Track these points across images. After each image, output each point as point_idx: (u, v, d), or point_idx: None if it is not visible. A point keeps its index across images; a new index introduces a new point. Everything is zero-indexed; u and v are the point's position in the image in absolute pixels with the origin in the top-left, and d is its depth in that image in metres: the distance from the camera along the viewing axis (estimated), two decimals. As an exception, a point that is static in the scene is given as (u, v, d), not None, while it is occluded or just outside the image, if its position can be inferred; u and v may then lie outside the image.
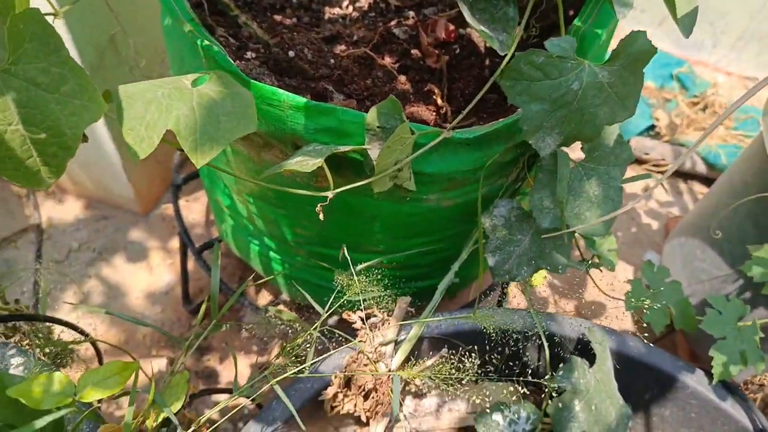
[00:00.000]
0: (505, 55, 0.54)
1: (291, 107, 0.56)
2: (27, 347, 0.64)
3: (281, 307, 1.20)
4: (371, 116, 0.56)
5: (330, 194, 0.54)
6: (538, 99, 0.52)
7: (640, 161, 1.55)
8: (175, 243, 1.33)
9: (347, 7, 0.80)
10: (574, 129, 0.53)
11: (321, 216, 0.54)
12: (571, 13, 0.76)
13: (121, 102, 0.43)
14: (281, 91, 0.55)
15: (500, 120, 0.61)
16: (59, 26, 0.91)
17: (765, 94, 1.76)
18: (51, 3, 0.55)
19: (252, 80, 0.56)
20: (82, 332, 0.74)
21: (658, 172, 1.55)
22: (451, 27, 0.78)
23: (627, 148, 0.63)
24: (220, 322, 0.80)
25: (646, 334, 0.80)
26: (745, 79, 1.81)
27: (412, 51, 0.77)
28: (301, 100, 0.56)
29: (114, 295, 1.25)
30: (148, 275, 1.28)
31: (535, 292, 1.31)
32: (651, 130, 1.56)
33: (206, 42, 0.57)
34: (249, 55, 0.68)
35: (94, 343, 0.81)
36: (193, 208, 1.39)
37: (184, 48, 0.66)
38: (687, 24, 0.55)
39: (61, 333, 0.78)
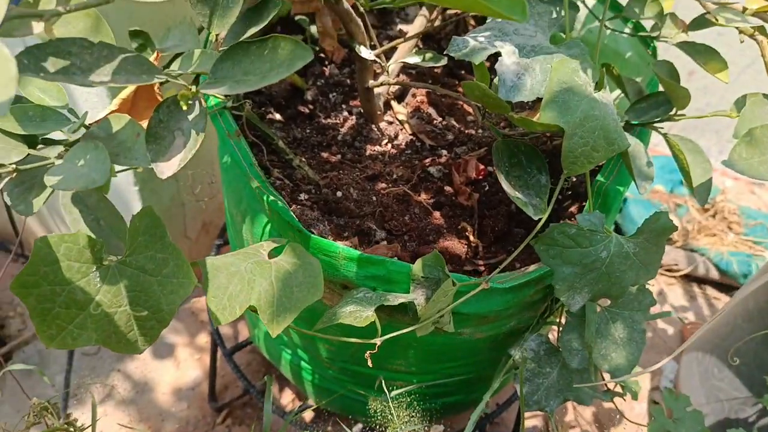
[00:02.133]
0: (540, 219, 0.60)
1: (345, 258, 0.62)
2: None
3: (307, 413, 1.22)
4: (417, 267, 0.62)
5: (378, 341, 0.60)
6: (570, 263, 0.57)
7: (653, 266, 1.60)
8: (202, 338, 1.37)
9: (386, 144, 0.88)
10: (602, 289, 0.59)
11: (369, 363, 0.59)
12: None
13: (207, 273, 0.50)
14: (337, 244, 0.62)
15: (533, 269, 0.66)
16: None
17: (772, 201, 1.83)
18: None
19: (312, 235, 0.62)
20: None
21: (671, 276, 1.59)
22: (481, 166, 0.86)
23: (649, 295, 0.69)
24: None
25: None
26: (752, 184, 1.88)
27: (445, 188, 0.84)
28: (355, 252, 0.62)
29: (141, 389, 1.28)
30: (176, 370, 1.32)
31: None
32: (663, 236, 1.62)
33: (272, 197, 0.64)
34: (302, 197, 0.76)
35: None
36: (222, 304, 1.44)
37: (243, 191, 0.73)
38: (702, 193, 0.62)
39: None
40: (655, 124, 0.66)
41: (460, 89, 0.98)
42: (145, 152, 0.40)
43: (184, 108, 0.40)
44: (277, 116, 0.90)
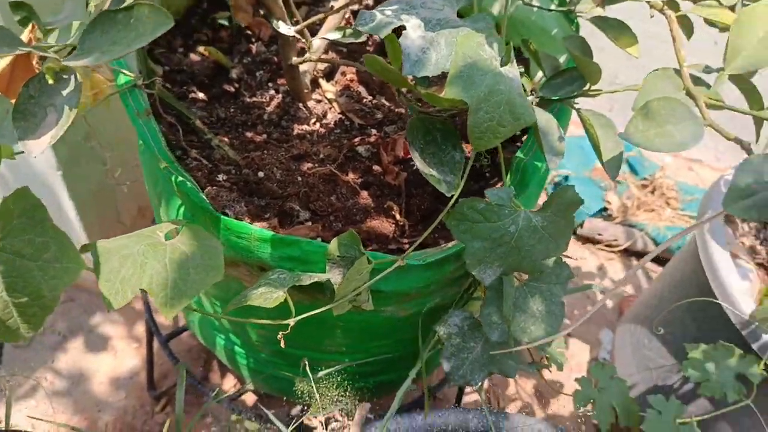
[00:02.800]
0: (452, 195, 0.60)
1: (258, 239, 0.61)
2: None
3: (247, 396, 1.21)
4: (332, 247, 0.61)
5: (291, 322, 0.59)
6: (480, 238, 0.57)
7: (593, 241, 1.64)
8: (140, 327, 1.34)
9: (314, 124, 0.87)
10: (512, 263, 0.59)
11: (282, 344, 0.58)
12: (523, 139, 0.84)
13: (99, 256, 0.48)
14: (250, 225, 0.60)
15: (450, 246, 0.66)
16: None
17: (708, 175, 1.90)
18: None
19: (222, 216, 0.60)
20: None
21: (611, 251, 1.63)
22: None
23: (566, 268, 0.69)
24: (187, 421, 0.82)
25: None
26: (690, 161, 1.94)
27: (373, 167, 0.83)
28: (268, 233, 0.61)
29: (77, 380, 1.24)
30: (113, 359, 1.28)
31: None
32: (604, 212, 1.66)
33: (180, 178, 0.61)
34: (221, 177, 0.74)
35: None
36: (162, 290, 1.40)
37: (157, 173, 0.71)
38: (613, 166, 0.62)
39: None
40: (571, 100, 0.66)
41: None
42: (12, 130, 0.38)
43: (51, 82, 0.38)
44: (200, 95, 0.87)
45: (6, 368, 1.23)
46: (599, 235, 1.61)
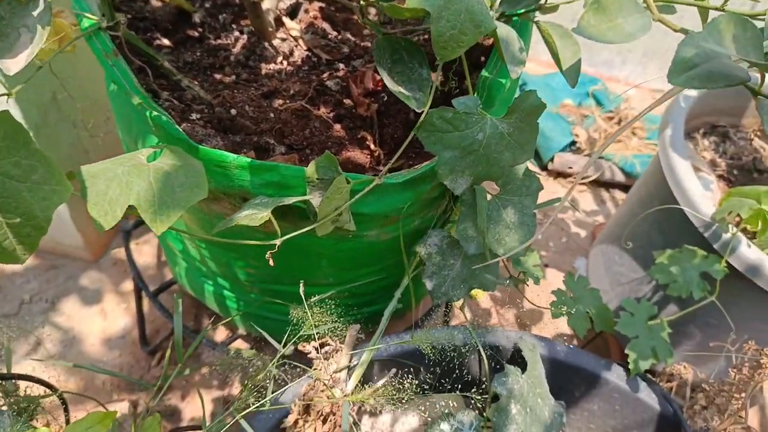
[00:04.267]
0: (422, 111, 0.62)
1: (237, 167, 0.63)
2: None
3: (239, 342, 1.24)
4: (310, 170, 0.63)
5: (278, 242, 0.61)
6: (450, 147, 0.60)
7: (564, 175, 1.68)
8: (128, 286, 1.35)
9: (281, 62, 0.87)
10: (482, 171, 0.62)
11: (271, 262, 0.61)
12: (483, 59, 0.86)
13: (84, 180, 0.49)
14: (228, 154, 0.62)
15: (424, 164, 0.69)
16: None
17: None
18: (2, 82, 0.60)
19: (200, 146, 0.62)
20: (50, 386, 0.77)
21: (581, 184, 1.68)
22: (378, 77, 0.87)
23: (535, 180, 0.73)
24: (183, 367, 0.85)
25: (575, 341, 0.90)
26: (653, 91, 1.99)
27: (344, 101, 0.85)
28: (246, 160, 0.63)
29: (70, 343, 1.26)
30: (103, 321, 1.30)
31: (479, 306, 1.40)
32: (572, 146, 1.70)
33: (155, 113, 0.63)
34: (194, 116, 0.75)
35: (61, 396, 0.83)
36: (144, 251, 1.42)
37: (131, 113, 0.72)
38: (572, 74, 0.65)
39: (27, 388, 0.80)
40: (530, 14, 0.68)
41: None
42: (-13, 50, 0.39)
43: (23, 1, 0.39)
44: (165, 41, 0.87)
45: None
46: (569, 168, 1.65)
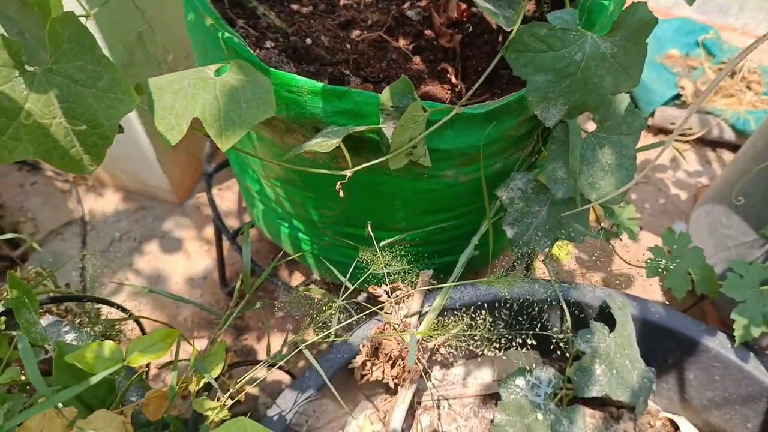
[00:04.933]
0: (512, 30, 0.56)
1: (309, 92, 0.59)
2: (79, 325, 0.70)
3: (312, 285, 1.24)
4: (385, 96, 0.59)
5: (348, 172, 0.58)
6: (543, 70, 0.53)
7: (666, 131, 1.54)
8: (210, 230, 1.39)
9: (361, -8, 0.83)
10: (578, 99, 0.55)
11: (341, 194, 0.57)
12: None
13: (151, 93, 0.47)
14: (299, 77, 0.59)
15: (512, 95, 0.63)
16: (90, 26, 0.96)
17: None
18: (82, 4, 0.60)
19: (271, 68, 0.59)
20: (127, 311, 0.80)
21: (685, 141, 1.53)
22: (463, 6, 0.80)
23: (638, 117, 0.64)
24: (254, 300, 0.85)
25: (668, 303, 0.81)
26: (777, 41, 1.76)
27: (425, 32, 0.79)
28: (318, 84, 0.59)
29: (154, 281, 1.31)
30: (186, 261, 1.34)
31: (563, 267, 1.32)
32: (677, 99, 1.54)
33: (227, 34, 0.60)
34: (268, 44, 0.72)
35: (138, 322, 0.86)
36: (226, 197, 1.44)
37: (207, 41, 0.70)
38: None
39: (108, 313, 0.83)
40: None
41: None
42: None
43: None
44: (244, -28, 0.85)
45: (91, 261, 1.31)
46: (672, 124, 1.51)
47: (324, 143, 0.55)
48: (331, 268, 0.74)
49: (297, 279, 1.31)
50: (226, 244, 1.25)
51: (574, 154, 0.63)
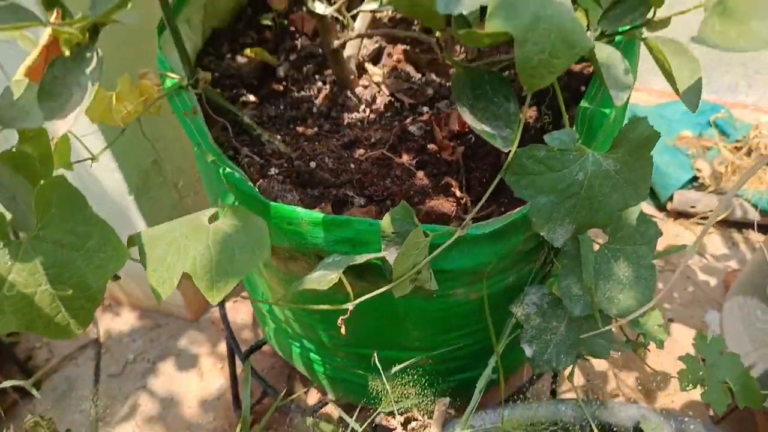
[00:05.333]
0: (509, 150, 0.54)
1: (309, 223, 0.58)
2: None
3: (330, 407, 1.18)
4: (385, 223, 0.57)
5: (350, 306, 0.55)
6: (545, 191, 0.52)
7: (686, 215, 1.50)
8: (223, 346, 1.35)
9: (364, 110, 0.84)
10: (585, 218, 0.52)
11: (343, 330, 0.55)
12: (583, 88, 0.77)
13: (143, 246, 0.46)
14: (299, 209, 0.58)
15: (515, 211, 0.61)
16: (105, 157, 0.99)
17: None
18: (87, 147, 0.61)
19: (271, 202, 0.58)
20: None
21: (709, 225, 1.48)
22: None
23: (652, 225, 0.62)
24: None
25: (711, 410, 0.75)
26: (788, 116, 1.75)
27: (428, 146, 0.79)
28: (318, 215, 0.58)
29: (167, 405, 1.27)
30: (200, 381, 1.30)
31: (593, 367, 1.24)
32: (694, 182, 1.52)
33: (228, 169, 0.60)
34: (273, 171, 0.72)
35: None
36: (241, 309, 1.42)
37: (211, 171, 0.70)
38: (692, 98, 0.55)
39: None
40: (636, 31, 0.59)
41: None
42: (38, 111, 0.37)
43: (67, 53, 0.37)
44: (251, 97, 0.87)
45: (103, 396, 1.27)
46: (692, 207, 1.47)
47: (323, 280, 0.53)
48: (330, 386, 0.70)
49: (313, 396, 1.25)
50: (239, 361, 1.21)
51: (588, 269, 0.59)
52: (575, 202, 0.51)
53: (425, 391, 0.73)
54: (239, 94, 0.87)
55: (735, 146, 1.58)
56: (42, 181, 0.42)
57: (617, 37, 0.60)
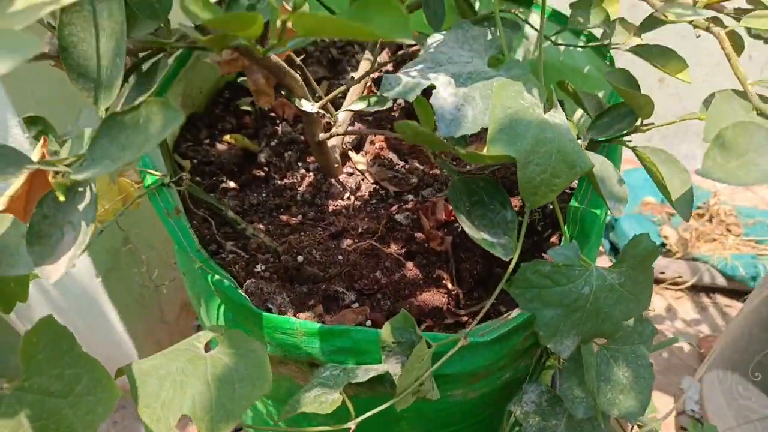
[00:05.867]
0: (511, 259, 0.54)
1: (304, 333, 0.56)
2: None
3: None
4: (385, 333, 0.56)
5: (351, 426, 0.52)
6: (551, 305, 0.51)
7: (657, 281, 1.53)
8: (193, 428, 1.28)
9: (348, 198, 0.83)
10: (591, 329, 0.52)
11: (346, 451, 0.52)
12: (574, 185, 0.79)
13: (135, 380, 0.43)
14: (294, 319, 0.55)
15: (516, 314, 0.60)
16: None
17: (767, 194, 1.78)
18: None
19: (263, 312, 0.56)
20: None
21: (677, 290, 1.52)
22: (450, 207, 0.80)
23: (648, 325, 0.62)
24: None
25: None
26: (743, 181, 1.83)
27: (416, 235, 0.78)
28: (315, 326, 0.56)
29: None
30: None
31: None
32: (662, 248, 1.56)
33: (216, 277, 0.57)
34: (259, 268, 0.70)
35: None
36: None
37: (194, 273, 0.67)
38: (684, 206, 0.56)
39: None
40: (623, 138, 0.60)
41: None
42: (26, 256, 0.35)
43: (62, 199, 0.35)
44: (231, 184, 0.85)
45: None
46: (662, 273, 1.50)
47: (324, 399, 0.50)
48: None
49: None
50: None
51: (590, 373, 0.59)
52: (581, 315, 0.51)
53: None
54: (219, 180, 0.85)
55: (697, 213, 1.64)
56: (13, 317, 0.38)
57: (602, 143, 0.61)
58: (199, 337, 0.47)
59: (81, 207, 0.36)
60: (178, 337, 1.31)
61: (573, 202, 0.66)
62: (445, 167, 0.60)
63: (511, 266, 0.53)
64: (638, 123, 0.59)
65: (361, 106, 0.69)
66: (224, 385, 0.42)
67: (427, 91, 0.49)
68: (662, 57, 0.57)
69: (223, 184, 0.85)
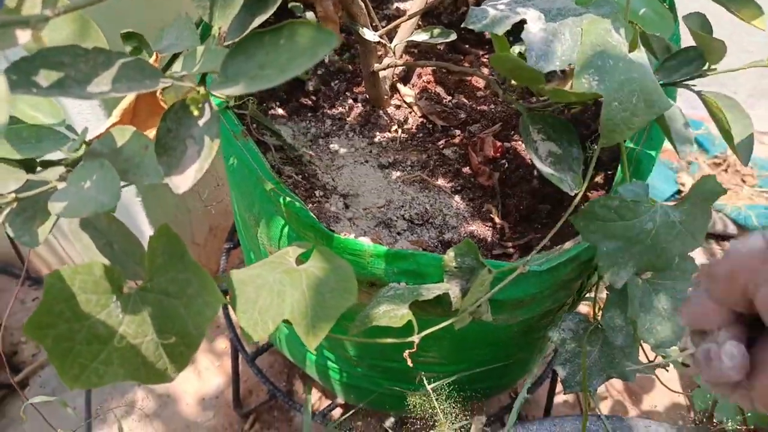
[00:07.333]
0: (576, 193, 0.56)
1: (372, 255, 0.59)
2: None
3: (337, 410, 1.20)
4: (448, 258, 0.59)
5: (416, 339, 0.56)
6: (613, 238, 0.54)
7: (671, 227, 1.57)
8: (220, 344, 1.34)
9: (396, 130, 0.84)
10: (647, 262, 0.55)
11: (409, 362, 0.56)
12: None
13: (234, 288, 0.46)
14: (364, 243, 0.58)
15: (568, 247, 0.63)
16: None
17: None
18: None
19: (335, 234, 0.58)
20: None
21: (690, 236, 1.56)
22: (498, 143, 0.82)
23: (691, 262, 0.65)
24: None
25: (692, 413, 0.80)
26: (761, 134, 1.84)
27: (463, 170, 0.80)
28: (382, 249, 0.59)
29: (164, 403, 1.25)
30: (197, 379, 1.29)
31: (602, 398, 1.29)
32: (678, 195, 1.59)
33: (288, 198, 0.60)
34: (317, 194, 0.72)
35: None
36: (237, 307, 1.40)
37: (254, 192, 0.70)
38: (745, 149, 0.58)
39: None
40: (687, 82, 0.62)
41: (467, 64, 0.94)
42: (156, 166, 0.37)
43: (195, 113, 0.36)
44: (280, 111, 0.86)
45: (96, 393, 1.25)
46: (676, 219, 1.54)
47: (394, 315, 0.54)
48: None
49: (314, 395, 1.26)
50: (240, 358, 1.20)
51: (634, 304, 0.62)
52: (641, 249, 0.54)
53: (452, 402, 0.75)
54: (268, 107, 0.86)
55: (714, 162, 1.66)
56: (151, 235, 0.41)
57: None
58: (287, 252, 0.49)
59: (202, 122, 0.38)
60: (206, 259, 1.35)
61: (629, 143, 0.68)
62: (516, 104, 0.61)
63: (576, 199, 0.56)
64: (705, 67, 0.60)
65: (424, 37, 0.69)
66: (317, 294, 0.45)
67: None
68: (739, 2, 0.57)
69: (272, 111, 0.85)
